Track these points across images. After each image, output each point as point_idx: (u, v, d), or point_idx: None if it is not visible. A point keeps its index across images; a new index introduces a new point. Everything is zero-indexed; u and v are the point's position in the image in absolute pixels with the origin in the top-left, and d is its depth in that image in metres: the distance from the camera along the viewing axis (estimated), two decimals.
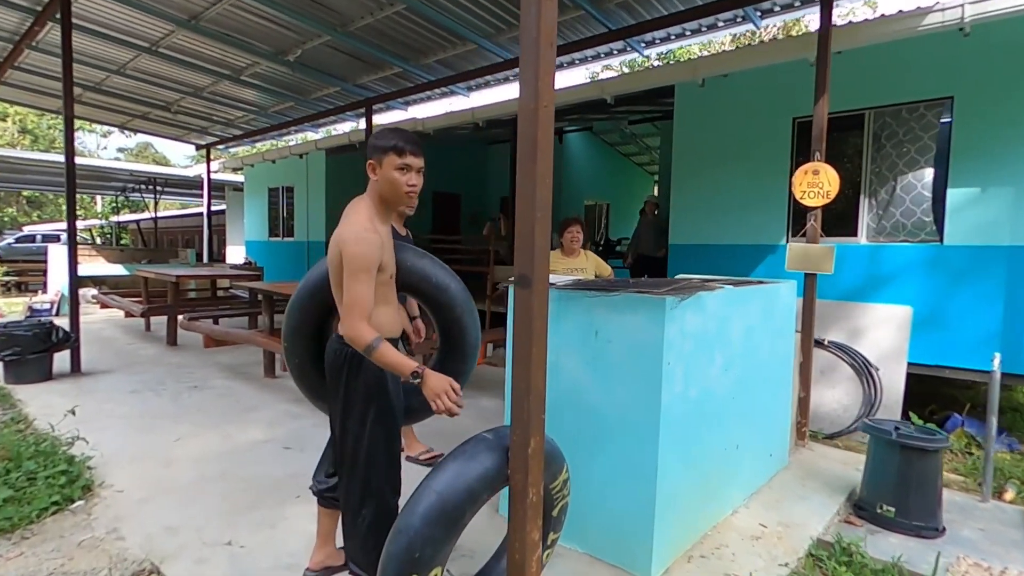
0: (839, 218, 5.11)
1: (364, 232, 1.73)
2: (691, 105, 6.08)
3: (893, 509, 2.91)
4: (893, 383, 4.59)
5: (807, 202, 3.96)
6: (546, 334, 1.63)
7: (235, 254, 15.33)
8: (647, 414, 2.19)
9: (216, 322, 7.17)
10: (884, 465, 3.02)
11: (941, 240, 4.70)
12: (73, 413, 3.54)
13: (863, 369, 4.69)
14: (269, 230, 12.36)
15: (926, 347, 4.78)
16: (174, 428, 3.97)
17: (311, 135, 11.61)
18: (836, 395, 4.73)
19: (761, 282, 3.37)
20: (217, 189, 15.23)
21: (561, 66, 6.85)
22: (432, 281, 2.12)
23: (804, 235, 4.10)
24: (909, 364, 4.60)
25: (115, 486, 3.04)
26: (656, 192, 12.90)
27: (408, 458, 3.38)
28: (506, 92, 7.70)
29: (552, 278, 2.95)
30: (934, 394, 5.34)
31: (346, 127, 11.05)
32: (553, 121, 1.60)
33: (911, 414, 4.51)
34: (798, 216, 5.51)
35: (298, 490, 3.03)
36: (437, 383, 1.69)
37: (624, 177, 15.54)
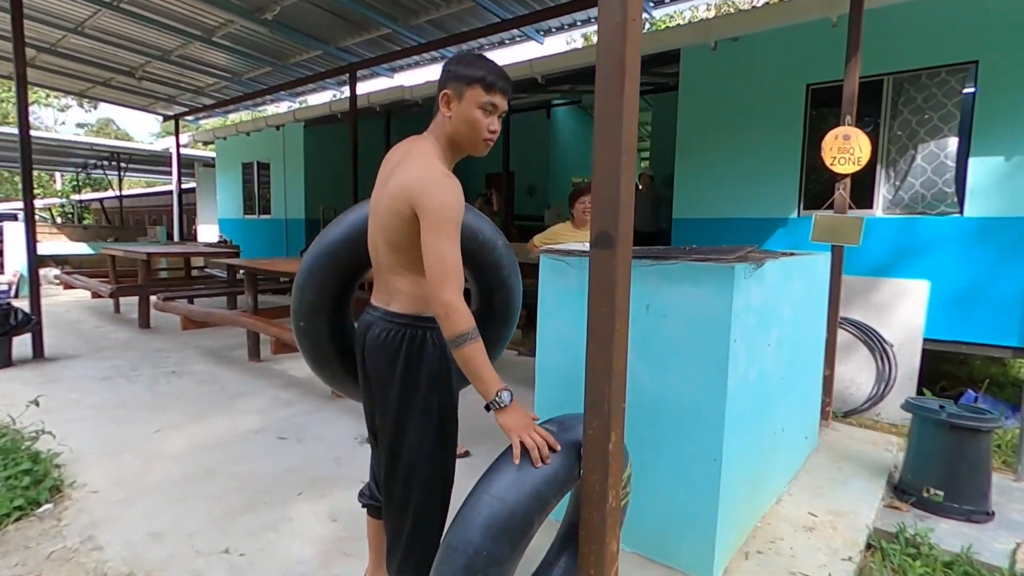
0: (853, 190, 4.89)
1: (447, 177, 1.38)
2: (699, 71, 5.78)
3: (942, 493, 2.73)
4: (908, 360, 4.44)
5: (837, 169, 3.73)
6: (629, 306, 1.34)
7: (207, 233, 14.67)
8: (711, 399, 1.93)
9: (191, 302, 6.70)
10: (931, 447, 2.83)
11: (961, 212, 4.54)
12: (36, 404, 3.15)
13: (877, 345, 4.53)
14: (244, 207, 11.77)
15: (943, 322, 4.64)
16: (153, 419, 3.60)
17: (280, 108, 11.00)
18: (848, 372, 4.57)
19: (792, 253, 3.13)
20: (186, 166, 14.48)
21: (550, 31, 6.47)
22: (479, 238, 1.79)
23: (830, 206, 3.88)
24: (924, 340, 4.46)
25: (88, 486, 2.68)
26: (646, 167, 12.63)
27: None
28: (501, 57, 7.29)
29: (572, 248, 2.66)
30: (932, 370, 5.24)
31: (324, 97, 10.49)
32: (640, 41, 1.29)
33: (925, 391, 4.39)
34: (810, 188, 5.31)
35: (299, 486, 2.72)
36: (522, 417, 1.36)
37: None
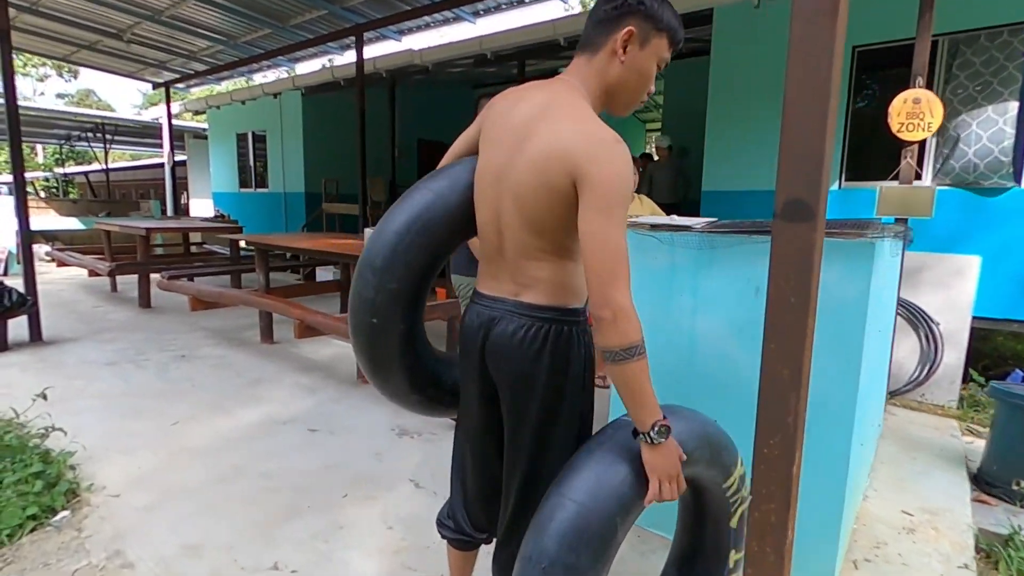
0: (898, 159, 4.64)
1: (618, 141, 1.07)
2: (733, 34, 5.43)
3: None
4: (956, 338, 4.24)
5: (905, 136, 3.45)
6: (818, 296, 1.07)
7: (200, 207, 14.19)
8: (840, 395, 1.68)
9: (191, 280, 6.37)
10: (1021, 435, 2.63)
11: (1018, 183, 4.29)
12: (44, 397, 2.86)
13: (922, 323, 4.32)
14: (240, 180, 11.31)
15: (993, 299, 4.44)
16: (168, 409, 3.32)
17: (268, 76, 10.45)
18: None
19: None
20: (176, 137, 13.91)
21: None
22: None
23: (895, 176, 3.62)
24: (973, 318, 4.25)
25: (108, 489, 2.42)
26: (652, 140, 12.27)
27: None
28: (518, 18, 6.88)
29: (658, 220, 2.37)
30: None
31: (318, 64, 9.93)
32: None
33: (971, 370, 4.21)
34: (851, 158, 5.04)
35: (342, 486, 2.47)
36: (675, 463, 1.09)
37: (612, 125, 14.80)
